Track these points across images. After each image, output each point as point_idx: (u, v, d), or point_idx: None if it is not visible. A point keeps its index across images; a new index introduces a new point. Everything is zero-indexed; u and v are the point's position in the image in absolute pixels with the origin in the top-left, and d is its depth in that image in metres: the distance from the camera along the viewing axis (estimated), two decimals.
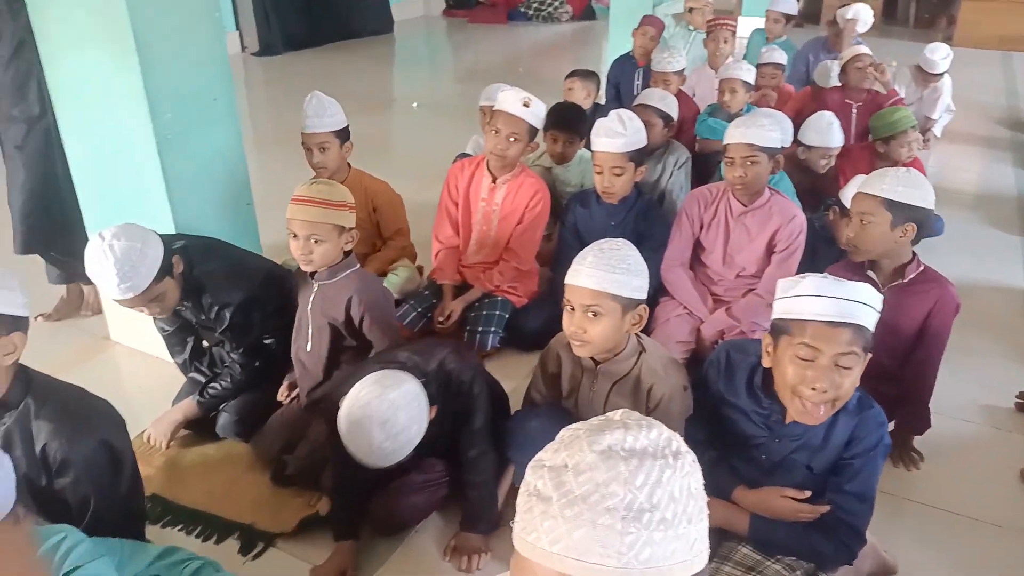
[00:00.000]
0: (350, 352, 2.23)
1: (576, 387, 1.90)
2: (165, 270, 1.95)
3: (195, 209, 2.48)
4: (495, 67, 8.02)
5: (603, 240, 1.74)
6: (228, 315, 2.11)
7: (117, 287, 1.86)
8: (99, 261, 1.85)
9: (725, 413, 1.72)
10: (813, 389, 1.46)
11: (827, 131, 3.23)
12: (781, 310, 1.52)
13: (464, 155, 3.48)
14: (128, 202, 2.48)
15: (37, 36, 2.40)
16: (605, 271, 1.66)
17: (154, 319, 2.29)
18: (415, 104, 6.28)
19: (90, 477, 1.50)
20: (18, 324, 1.46)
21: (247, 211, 2.70)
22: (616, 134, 2.53)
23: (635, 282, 1.70)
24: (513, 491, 1.95)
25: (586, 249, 1.73)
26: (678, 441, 0.86)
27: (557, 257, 2.87)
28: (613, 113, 2.59)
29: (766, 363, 1.58)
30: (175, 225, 2.41)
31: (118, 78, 2.27)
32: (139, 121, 2.29)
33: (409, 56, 9.24)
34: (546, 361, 1.97)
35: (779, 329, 1.52)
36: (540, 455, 0.88)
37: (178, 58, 2.32)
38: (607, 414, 0.91)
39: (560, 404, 1.95)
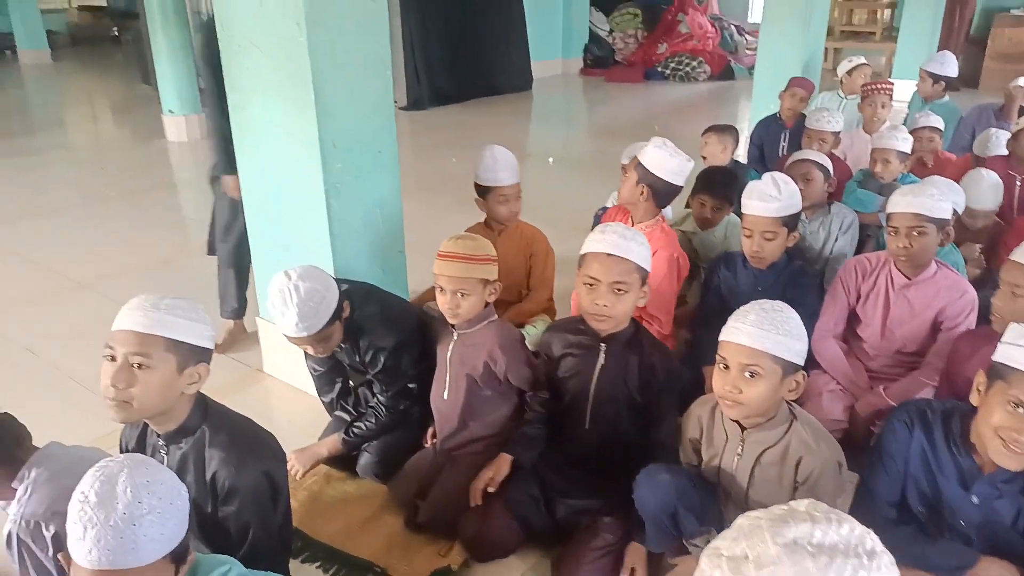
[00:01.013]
0: (486, 402, 2.25)
1: (718, 454, 1.82)
2: (337, 314, 2.07)
3: (353, 254, 2.62)
4: (630, 124, 8.07)
5: (763, 300, 1.68)
6: (383, 359, 2.20)
7: (295, 325, 2.00)
8: (283, 298, 1.99)
9: (914, 472, 1.69)
10: (1019, 437, 1.47)
11: (988, 191, 3.01)
12: (1006, 355, 1.51)
13: (605, 209, 3.50)
14: (293, 243, 2.66)
15: (228, 85, 2.65)
16: (767, 330, 1.61)
17: (306, 357, 2.41)
18: (551, 160, 6.41)
19: (252, 507, 1.58)
20: (204, 355, 1.58)
21: (399, 258, 2.82)
22: (770, 198, 2.46)
23: (796, 346, 1.64)
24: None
25: (747, 306, 1.68)
26: (873, 540, 0.80)
27: (699, 319, 2.80)
28: (767, 176, 2.52)
29: (974, 401, 1.58)
30: (334, 268, 2.55)
31: (296, 126, 2.45)
32: (312, 168, 2.47)
33: (546, 112, 9.49)
34: (686, 426, 1.91)
35: (997, 373, 1.52)
36: (716, 543, 0.84)
37: (350, 109, 2.49)
38: (790, 504, 0.86)
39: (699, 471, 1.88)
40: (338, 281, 2.25)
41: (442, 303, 2.11)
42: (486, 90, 9.29)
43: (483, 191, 2.82)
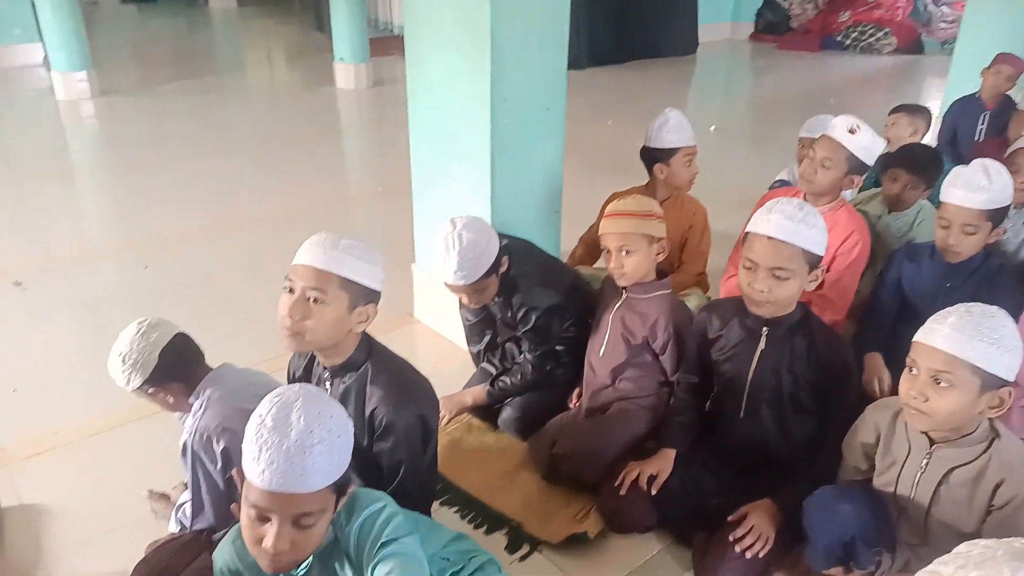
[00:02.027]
0: (639, 367, 2.19)
1: (896, 465, 1.66)
2: (495, 267, 2.10)
3: (512, 210, 2.61)
4: (801, 96, 7.55)
5: (973, 304, 1.50)
6: (534, 318, 2.20)
7: (453, 273, 2.06)
8: (445, 245, 2.06)
9: None
10: None
11: None
12: None
13: (783, 183, 3.30)
14: (455, 197, 2.69)
15: (407, 39, 2.69)
16: (970, 336, 1.43)
17: (460, 307, 2.46)
18: (712, 128, 6.12)
19: (405, 446, 1.62)
20: (374, 297, 1.63)
21: (555, 219, 2.79)
22: (978, 188, 2.19)
23: (1005, 359, 1.44)
24: None
25: (951, 308, 1.50)
26: None
27: (869, 313, 2.57)
28: (977, 164, 2.24)
29: None
30: (492, 225, 2.56)
31: (470, 82, 2.46)
32: (480, 123, 2.47)
33: (709, 78, 9.06)
34: (859, 429, 1.76)
35: None
36: (937, 567, 0.75)
37: (524, 67, 2.46)
38: None
39: (871, 484, 1.73)
40: (499, 235, 2.25)
41: (609, 264, 2.08)
42: (647, 52, 8.98)
43: (660, 155, 2.70)
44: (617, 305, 2.15)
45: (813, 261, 1.82)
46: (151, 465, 2.19)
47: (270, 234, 4.05)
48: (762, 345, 1.92)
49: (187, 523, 1.83)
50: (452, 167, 2.68)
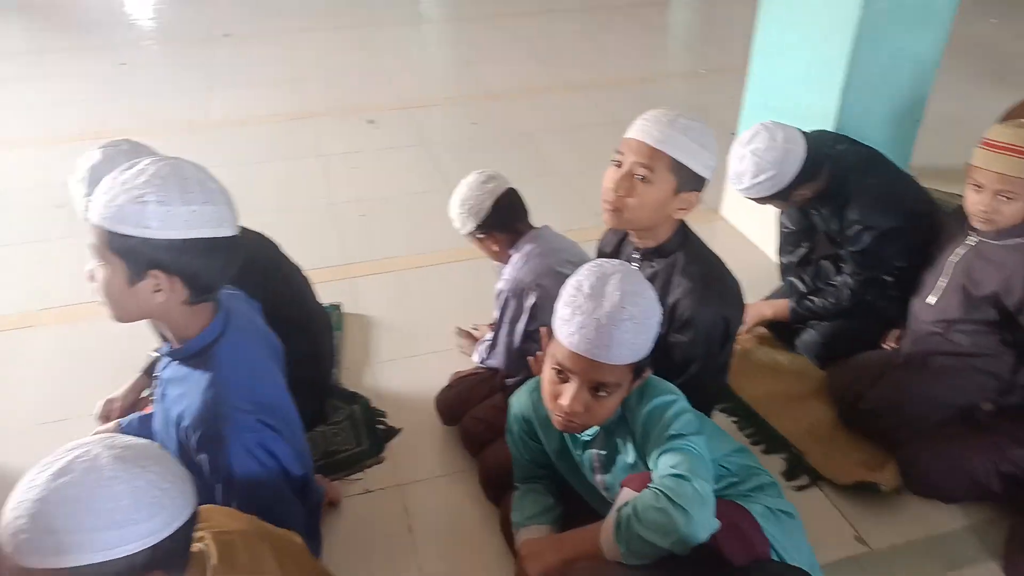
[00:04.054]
0: (977, 322, 1.86)
1: None
2: (805, 176, 1.92)
3: (863, 110, 2.29)
4: None
5: None
6: (866, 239, 1.95)
7: (742, 176, 1.93)
8: (739, 152, 1.91)
9: None
10: None
11: None
12: None
13: None
14: (796, 88, 2.41)
15: None
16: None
17: (780, 213, 2.26)
18: None
19: (703, 343, 1.56)
20: (699, 184, 1.54)
21: (912, 128, 2.40)
22: None
23: None
24: None
25: None
26: None
27: None
28: None
29: None
30: (836, 123, 2.27)
31: None
32: (849, 6, 2.13)
33: None
34: None
35: None
36: None
37: None
38: None
39: None
40: (837, 138, 1.99)
41: (974, 202, 1.73)
42: None
43: None
44: (961, 249, 1.80)
45: None
46: (464, 303, 2.41)
47: (589, 102, 4.06)
48: None
49: (485, 359, 2.00)
50: (803, 50, 2.38)
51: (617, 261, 1.28)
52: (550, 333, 1.29)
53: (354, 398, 2.05)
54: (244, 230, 1.32)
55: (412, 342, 2.31)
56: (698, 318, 1.55)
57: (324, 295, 2.36)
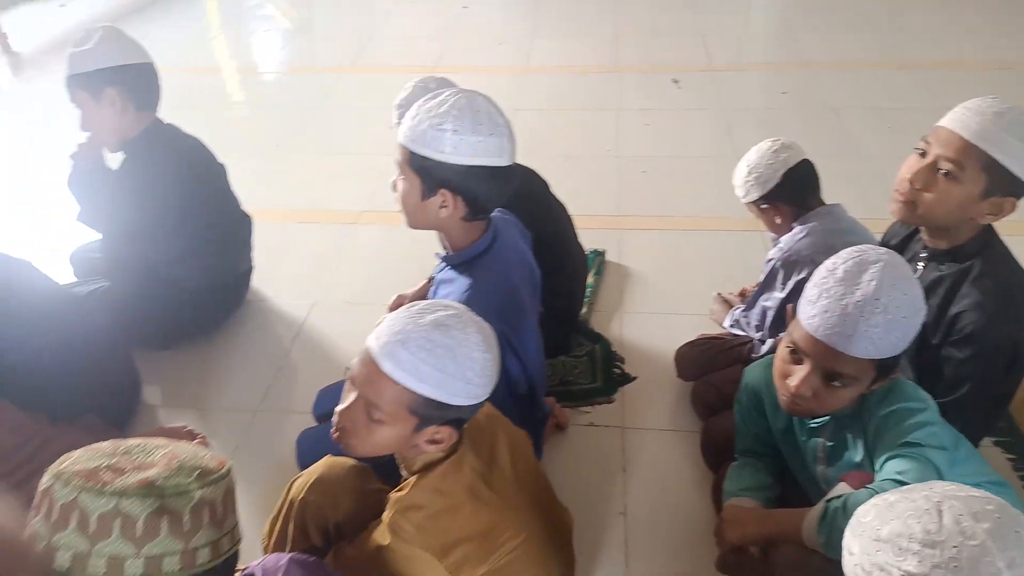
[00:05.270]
0: None
1: None
2: None
3: None
4: None
5: None
6: None
7: None
8: None
9: None
10: None
11: None
12: None
13: None
14: None
15: None
16: None
17: None
18: None
19: (983, 365, 1.39)
20: (1022, 190, 1.34)
21: None
22: None
23: None
24: None
25: None
26: None
27: None
28: None
29: None
30: None
31: None
32: None
33: None
34: None
35: None
36: None
37: None
38: None
39: None
40: None
41: None
42: None
43: None
44: None
45: None
46: (725, 273, 2.38)
47: (919, 83, 3.63)
48: None
49: (743, 327, 1.96)
50: None
51: (884, 250, 1.19)
52: (794, 311, 1.26)
53: (598, 338, 2.17)
54: (518, 165, 1.47)
55: (664, 300, 2.35)
56: (982, 336, 1.39)
57: (591, 241, 2.49)
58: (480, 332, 1.09)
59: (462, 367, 1.05)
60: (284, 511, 1.34)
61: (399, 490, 1.16)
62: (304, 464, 1.55)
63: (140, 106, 1.94)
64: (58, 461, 0.77)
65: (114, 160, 2.02)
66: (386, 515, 1.14)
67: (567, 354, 2.11)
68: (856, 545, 0.79)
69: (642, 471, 1.81)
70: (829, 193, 1.84)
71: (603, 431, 1.91)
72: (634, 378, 2.05)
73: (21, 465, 1.49)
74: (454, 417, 1.10)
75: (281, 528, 1.34)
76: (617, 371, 2.07)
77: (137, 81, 1.92)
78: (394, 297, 2.12)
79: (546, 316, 1.70)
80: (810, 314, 1.18)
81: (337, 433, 1.16)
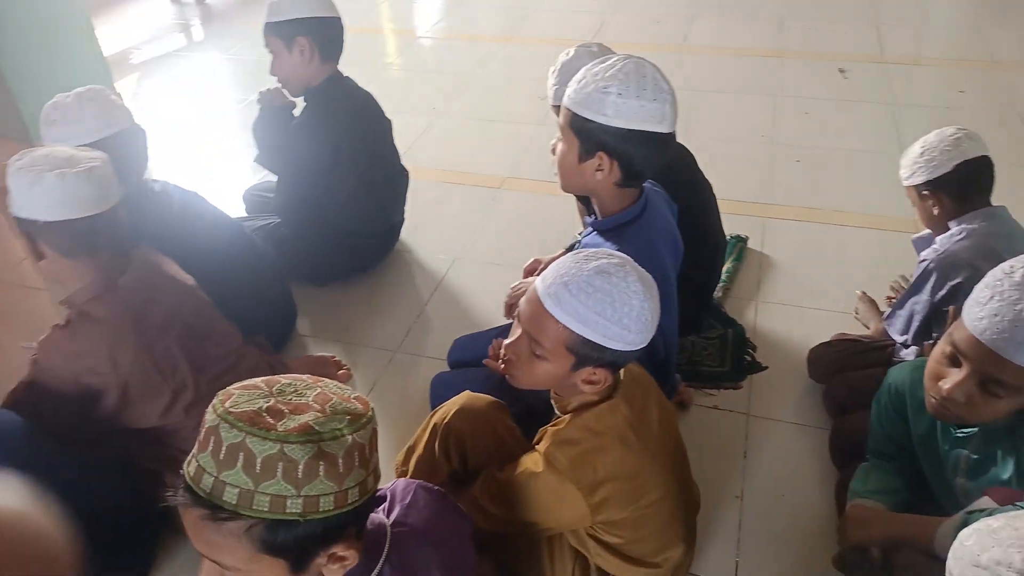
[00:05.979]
0: None
1: None
2: None
3: None
4: None
5: None
6: None
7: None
8: None
9: None
10: None
11: None
12: None
13: None
14: None
15: None
16: None
17: None
18: None
19: None
20: None
21: None
22: None
23: None
24: None
25: None
26: None
27: None
28: None
29: None
30: None
31: None
32: None
33: None
34: None
35: None
36: None
37: None
38: None
39: None
40: None
41: None
42: None
43: None
44: None
45: None
46: (871, 273, 2.29)
47: None
48: None
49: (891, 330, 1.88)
50: None
51: None
52: (957, 313, 1.21)
53: (731, 323, 2.14)
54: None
55: (804, 293, 2.28)
56: None
57: (734, 226, 2.45)
58: (641, 281, 1.11)
59: (619, 312, 1.09)
60: (427, 437, 1.44)
61: (554, 425, 1.23)
62: (437, 404, 1.65)
63: (325, 57, 2.09)
64: (219, 398, 0.82)
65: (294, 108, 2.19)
66: (542, 445, 1.21)
67: (698, 334, 2.10)
68: (956, 568, 0.77)
69: (763, 459, 1.79)
70: (1000, 203, 1.71)
71: (727, 415, 1.91)
72: (765, 367, 2.02)
73: (219, 376, 1.56)
74: (610, 360, 1.14)
75: (423, 452, 1.45)
76: (748, 358, 2.04)
77: (326, 32, 2.07)
78: (531, 260, 2.19)
79: (681, 290, 1.71)
80: (978, 316, 1.13)
81: (503, 364, 1.23)
